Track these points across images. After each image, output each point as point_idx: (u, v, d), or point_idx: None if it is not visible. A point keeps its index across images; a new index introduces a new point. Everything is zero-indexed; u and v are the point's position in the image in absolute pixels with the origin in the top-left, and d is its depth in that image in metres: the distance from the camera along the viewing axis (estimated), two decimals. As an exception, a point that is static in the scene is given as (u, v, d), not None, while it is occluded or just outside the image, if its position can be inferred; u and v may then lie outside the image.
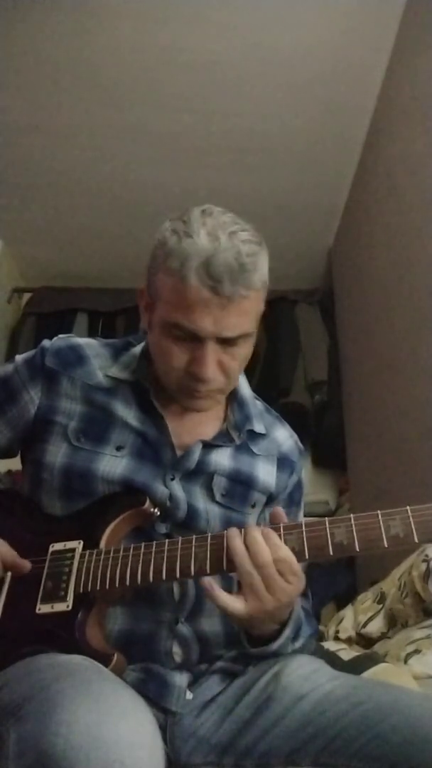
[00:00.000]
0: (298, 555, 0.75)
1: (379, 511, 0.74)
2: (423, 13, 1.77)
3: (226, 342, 0.84)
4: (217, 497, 0.93)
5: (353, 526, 0.74)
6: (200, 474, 0.93)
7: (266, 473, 0.99)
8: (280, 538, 0.76)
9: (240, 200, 2.57)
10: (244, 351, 0.88)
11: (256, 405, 1.04)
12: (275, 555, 0.74)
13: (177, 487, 0.90)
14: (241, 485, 0.95)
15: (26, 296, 3.38)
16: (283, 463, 1.01)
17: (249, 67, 2.09)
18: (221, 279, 0.78)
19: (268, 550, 0.75)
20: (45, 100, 2.25)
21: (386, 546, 0.73)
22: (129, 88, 2.19)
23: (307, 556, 0.75)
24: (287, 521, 0.80)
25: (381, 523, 0.73)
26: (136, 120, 2.33)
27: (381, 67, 2.07)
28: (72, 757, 0.52)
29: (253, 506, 0.97)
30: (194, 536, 0.80)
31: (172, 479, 0.91)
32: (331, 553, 0.74)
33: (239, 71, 2.11)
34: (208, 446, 0.94)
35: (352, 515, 0.75)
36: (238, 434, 0.97)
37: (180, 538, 0.81)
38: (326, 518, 0.76)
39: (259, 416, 1.02)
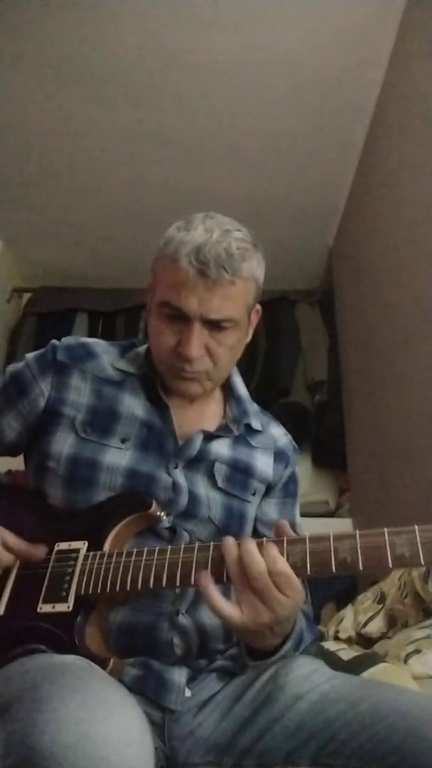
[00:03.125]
0: (300, 570, 0.74)
1: (385, 529, 0.71)
2: (423, 14, 1.77)
3: (212, 326, 0.90)
4: (220, 483, 0.96)
5: (358, 543, 0.72)
6: (201, 462, 0.96)
7: (264, 464, 1.02)
8: (283, 553, 0.74)
9: (240, 200, 2.59)
10: (232, 339, 0.93)
11: (252, 405, 1.08)
12: (272, 568, 0.73)
13: (179, 475, 0.93)
14: (240, 473, 0.99)
15: (26, 296, 3.38)
16: (280, 455, 1.05)
17: (249, 67, 2.10)
18: (208, 262, 0.86)
19: (262, 561, 0.73)
20: (45, 100, 2.26)
21: (391, 567, 0.70)
22: (129, 88, 2.20)
23: (309, 572, 0.73)
24: (291, 534, 0.78)
25: (387, 542, 0.70)
26: (136, 120, 2.33)
27: (381, 67, 2.07)
28: (59, 755, 0.52)
29: (254, 494, 1.00)
30: (197, 543, 0.80)
31: (176, 467, 0.94)
32: (334, 570, 0.72)
33: (239, 71, 2.11)
34: (209, 437, 0.98)
35: (357, 532, 0.73)
36: (237, 426, 1.02)
37: (183, 546, 0.81)
38: (330, 533, 0.74)
39: (256, 415, 1.07)
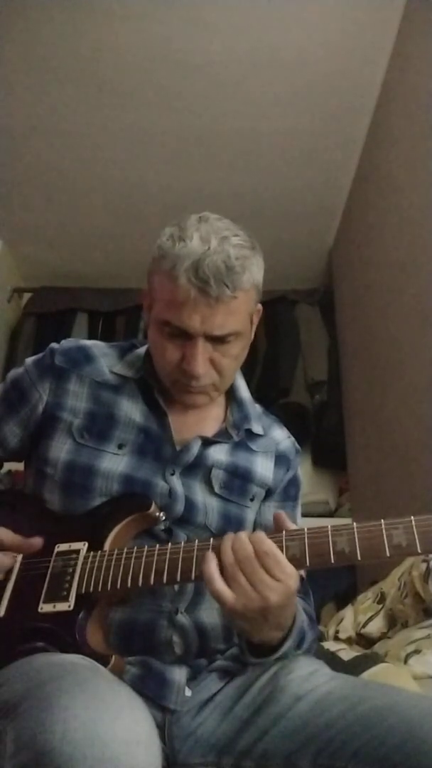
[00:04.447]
0: (299, 562, 0.75)
1: (382, 520, 0.74)
2: (423, 14, 1.77)
3: (216, 340, 0.88)
4: (216, 489, 0.95)
5: (356, 534, 0.74)
6: (199, 468, 0.96)
7: (264, 468, 1.01)
8: (282, 545, 0.76)
9: (240, 200, 2.59)
10: (236, 349, 0.92)
11: (254, 407, 1.07)
12: (258, 548, 0.74)
13: (176, 482, 0.93)
14: (239, 478, 0.98)
15: (26, 296, 3.38)
16: (280, 459, 1.04)
17: (249, 67, 2.09)
18: (208, 280, 0.83)
19: (250, 545, 0.75)
20: (45, 100, 2.26)
21: (388, 556, 0.72)
22: (129, 88, 2.19)
23: (308, 563, 0.75)
24: (289, 524, 0.80)
25: (384, 532, 0.73)
26: (136, 120, 2.33)
27: (381, 67, 2.07)
28: (68, 755, 0.52)
29: (252, 499, 0.99)
30: (197, 541, 0.81)
31: (172, 474, 0.93)
32: (333, 561, 0.74)
33: (239, 71, 2.11)
34: (207, 442, 0.97)
35: (354, 523, 0.75)
36: (237, 432, 1.00)
37: (182, 543, 0.81)
38: (329, 525, 0.76)
39: (258, 418, 1.06)
